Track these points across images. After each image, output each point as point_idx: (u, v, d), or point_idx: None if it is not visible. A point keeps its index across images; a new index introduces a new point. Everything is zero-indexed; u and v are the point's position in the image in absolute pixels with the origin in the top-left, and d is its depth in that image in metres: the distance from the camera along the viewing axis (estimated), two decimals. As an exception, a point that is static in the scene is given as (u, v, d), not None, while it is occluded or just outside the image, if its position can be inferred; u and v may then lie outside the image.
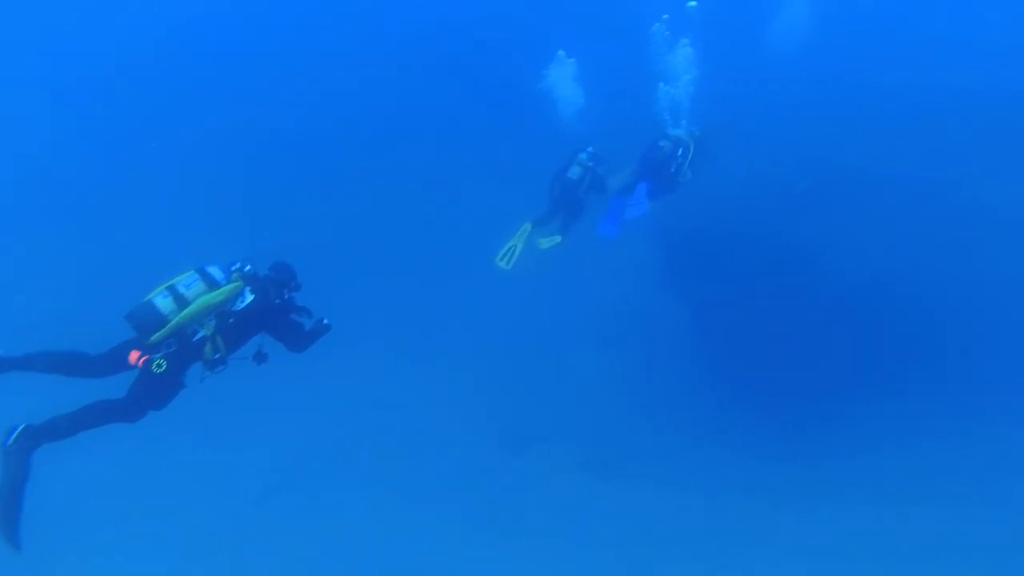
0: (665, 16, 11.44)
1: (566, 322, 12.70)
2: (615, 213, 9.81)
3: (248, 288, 5.15)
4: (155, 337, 4.74)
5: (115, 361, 4.80)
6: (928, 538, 9.59)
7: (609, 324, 12.51)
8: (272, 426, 11.58)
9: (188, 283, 4.90)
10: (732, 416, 11.48)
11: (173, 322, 4.75)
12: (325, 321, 5.66)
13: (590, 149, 9.87)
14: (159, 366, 4.63)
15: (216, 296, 4.93)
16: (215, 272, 5.07)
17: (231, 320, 5.03)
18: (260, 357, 5.34)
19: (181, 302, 4.80)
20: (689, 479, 10.85)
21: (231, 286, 5.05)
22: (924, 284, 11.46)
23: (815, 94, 13.91)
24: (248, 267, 5.26)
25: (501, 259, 9.88)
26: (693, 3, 12.12)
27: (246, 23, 17.77)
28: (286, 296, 5.47)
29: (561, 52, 11.74)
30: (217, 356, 4.99)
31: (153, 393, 4.82)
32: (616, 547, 10.09)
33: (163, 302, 4.78)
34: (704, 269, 12.36)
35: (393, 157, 15.55)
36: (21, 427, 4.39)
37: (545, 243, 9.86)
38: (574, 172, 9.69)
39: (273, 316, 5.29)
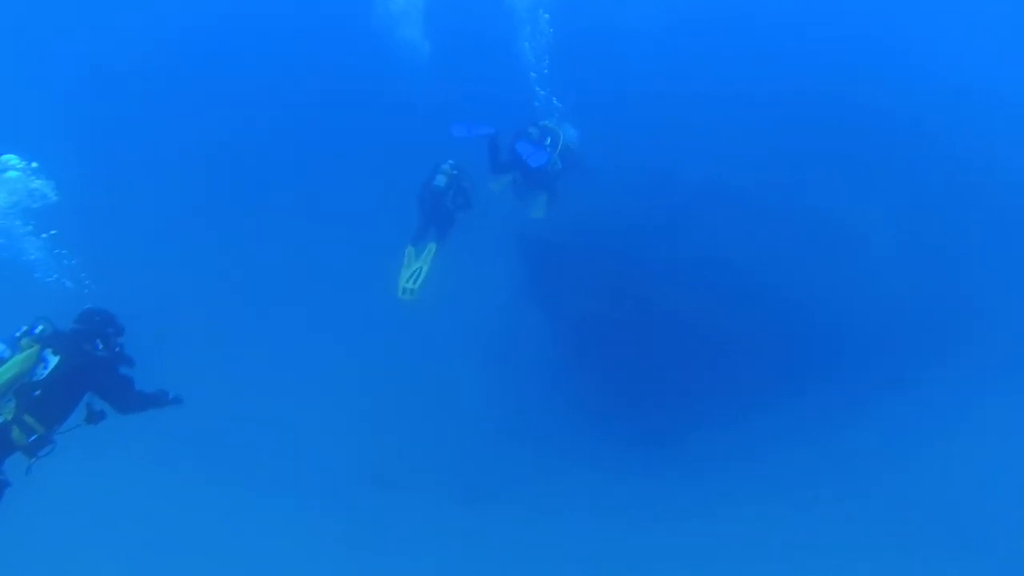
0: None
1: (433, 345, 12.37)
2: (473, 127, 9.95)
3: (49, 350, 4.49)
4: None
5: None
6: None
7: (476, 344, 12.28)
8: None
9: None
10: (605, 436, 11.49)
11: None
12: (172, 396, 5.14)
13: (451, 160, 10.08)
14: None
15: (2, 374, 4.26)
16: None
17: (37, 393, 4.37)
18: (94, 417, 4.76)
19: None
20: (562, 503, 10.81)
21: (23, 355, 4.39)
22: (797, 296, 11.60)
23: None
24: (40, 327, 4.60)
25: (405, 290, 9.74)
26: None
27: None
28: (102, 347, 4.82)
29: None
30: (34, 438, 4.34)
31: None
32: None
33: None
34: (574, 284, 12.17)
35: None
36: None
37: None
38: (440, 180, 9.87)
39: (93, 372, 4.67)
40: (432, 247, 10.00)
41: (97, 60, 16.13)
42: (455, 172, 9.95)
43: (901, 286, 11.75)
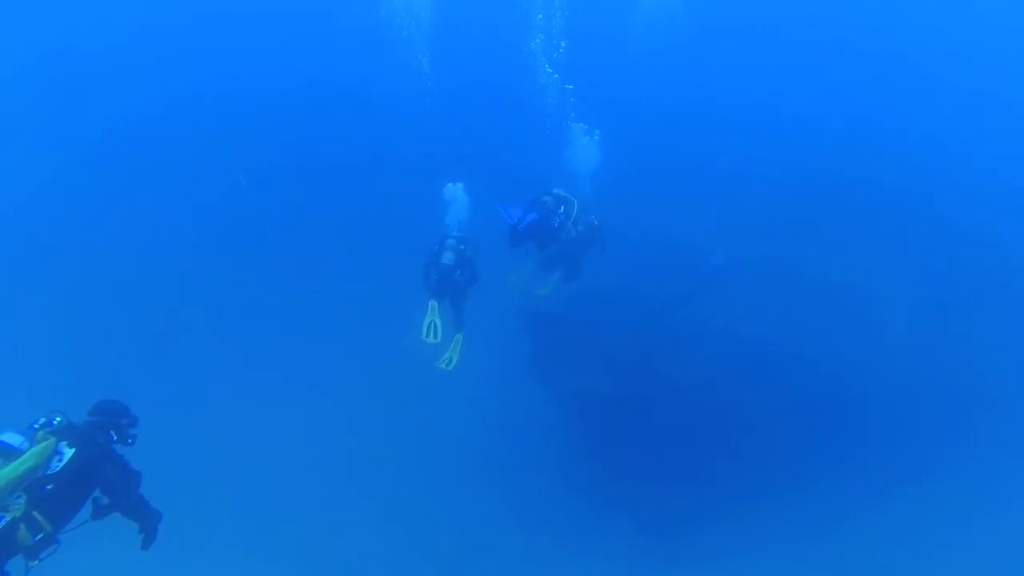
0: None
1: (430, 422, 11.77)
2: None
3: (64, 443, 4.26)
4: None
5: None
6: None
7: (476, 421, 11.71)
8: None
9: None
10: (608, 523, 10.85)
11: None
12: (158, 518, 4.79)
13: (456, 234, 9.83)
14: None
15: (20, 465, 3.96)
16: (11, 438, 4.12)
17: (49, 487, 4.09)
18: (100, 512, 4.48)
19: None
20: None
21: (40, 447, 4.12)
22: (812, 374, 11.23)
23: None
24: (57, 419, 4.39)
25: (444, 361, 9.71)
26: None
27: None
28: (116, 439, 4.67)
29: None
30: (39, 538, 4.01)
31: None
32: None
33: None
34: (579, 360, 11.74)
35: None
36: None
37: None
38: (448, 258, 9.55)
39: (104, 466, 4.45)
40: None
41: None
42: (461, 247, 9.68)
43: (922, 361, 11.41)
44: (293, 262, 14.01)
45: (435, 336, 9.39)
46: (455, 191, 10.27)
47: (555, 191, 10.31)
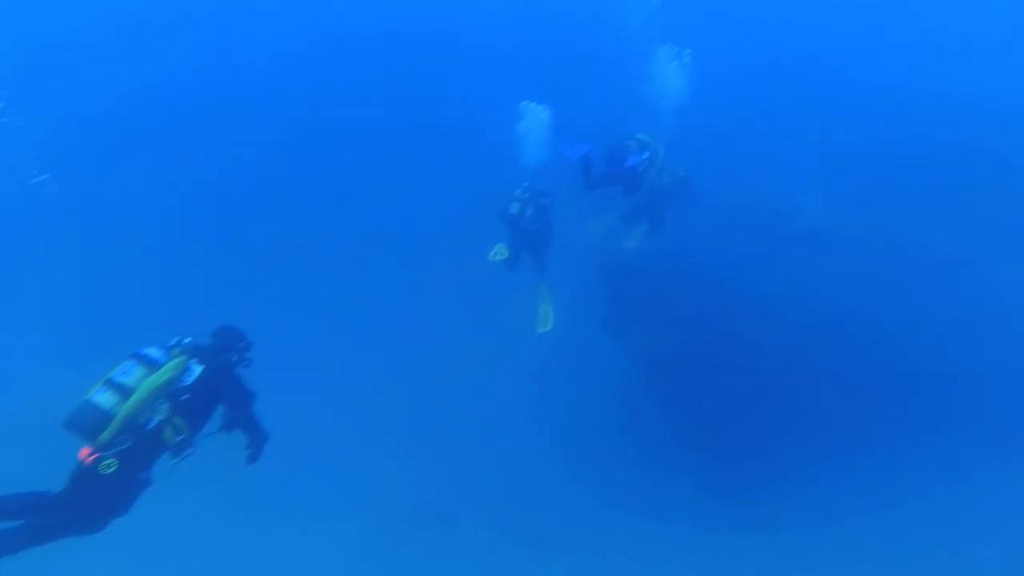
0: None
1: (495, 376, 11.60)
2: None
3: (193, 360, 4.92)
4: (104, 436, 4.42)
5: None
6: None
7: (543, 377, 11.49)
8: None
9: (125, 371, 4.62)
10: (676, 480, 10.75)
11: (120, 415, 4.46)
12: (265, 438, 5.24)
13: (525, 184, 10.02)
14: (108, 466, 4.36)
15: (160, 376, 4.65)
16: (153, 353, 4.78)
17: (184, 397, 4.78)
18: (229, 425, 5.04)
19: (123, 392, 4.51)
20: (637, 550, 10.18)
21: (174, 362, 4.77)
22: (882, 335, 10.67)
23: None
24: (188, 339, 5.05)
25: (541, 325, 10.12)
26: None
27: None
28: (236, 359, 5.22)
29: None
30: (180, 439, 4.73)
31: (108, 498, 4.53)
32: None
33: (103, 398, 4.49)
34: (651, 312, 11.27)
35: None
36: None
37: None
38: (513, 207, 9.83)
39: (226, 384, 5.05)
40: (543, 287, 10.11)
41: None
42: (527, 195, 9.84)
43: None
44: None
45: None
46: (529, 123, 10.09)
47: (639, 136, 9.92)
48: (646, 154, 9.66)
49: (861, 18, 13.69)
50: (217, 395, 4.99)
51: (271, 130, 14.74)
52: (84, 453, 4.38)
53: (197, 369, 4.88)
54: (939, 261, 10.62)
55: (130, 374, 4.59)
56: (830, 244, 11.01)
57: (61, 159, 14.12)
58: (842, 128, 12.27)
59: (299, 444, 10.51)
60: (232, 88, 15.41)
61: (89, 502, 4.47)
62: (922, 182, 11.20)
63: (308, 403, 11.28)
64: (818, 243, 11.03)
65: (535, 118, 10.59)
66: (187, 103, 15.21)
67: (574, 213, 10.70)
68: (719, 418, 10.80)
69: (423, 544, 10.17)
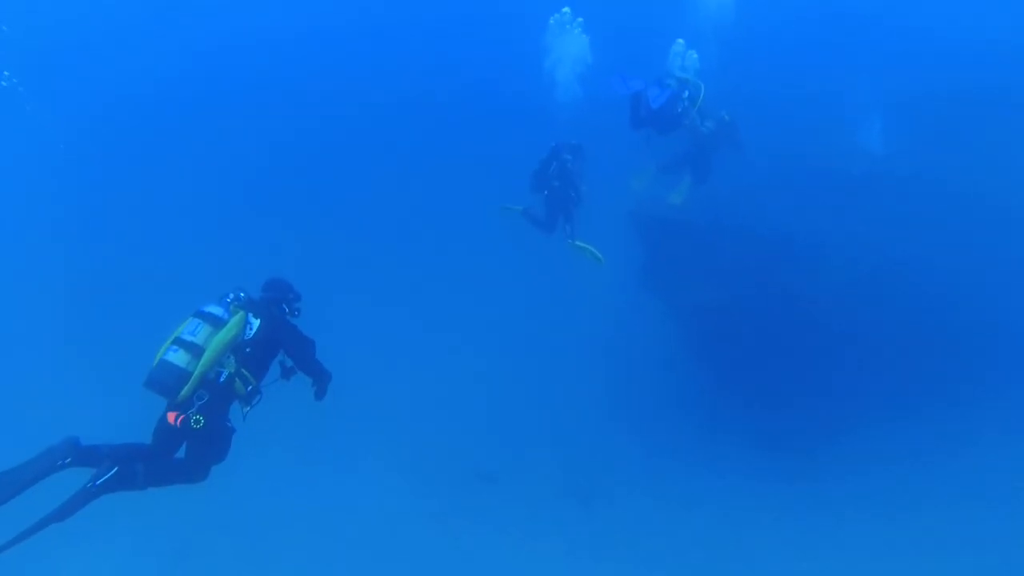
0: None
1: (539, 334, 11.67)
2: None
3: (251, 314, 5.13)
4: (183, 393, 4.69)
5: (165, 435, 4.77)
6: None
7: (586, 334, 11.49)
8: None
9: (193, 330, 4.83)
10: (722, 432, 10.79)
11: (196, 372, 4.71)
12: (329, 378, 5.54)
13: (553, 142, 9.59)
14: (197, 422, 4.64)
15: (227, 332, 4.89)
16: (215, 310, 4.99)
17: (248, 350, 5.03)
18: (287, 373, 5.34)
19: (194, 350, 4.74)
20: (676, 500, 10.38)
21: (236, 317, 4.99)
22: (937, 288, 10.22)
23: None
24: (242, 294, 5.22)
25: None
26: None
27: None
28: (287, 309, 5.46)
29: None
30: (250, 388, 5.00)
31: (208, 448, 4.85)
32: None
33: (177, 356, 4.71)
34: (692, 269, 11.02)
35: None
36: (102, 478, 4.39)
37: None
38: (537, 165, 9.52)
39: (285, 333, 5.29)
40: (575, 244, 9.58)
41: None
42: (562, 154, 9.39)
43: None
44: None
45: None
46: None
47: (678, 74, 9.44)
48: (686, 93, 9.23)
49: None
50: (276, 346, 5.25)
51: (271, 129, 14.71)
52: (171, 418, 4.65)
53: (256, 322, 5.11)
54: (1004, 218, 9.91)
55: (198, 333, 4.81)
56: (887, 192, 10.35)
57: (61, 159, 14.50)
58: (904, 69, 11.27)
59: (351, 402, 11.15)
60: (232, 88, 15.36)
61: (194, 456, 4.81)
62: (989, 136, 10.30)
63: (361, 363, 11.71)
64: (874, 191, 10.40)
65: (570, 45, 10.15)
66: (195, 97, 15.29)
67: (614, 171, 10.28)
68: (768, 371, 10.70)
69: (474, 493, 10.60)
